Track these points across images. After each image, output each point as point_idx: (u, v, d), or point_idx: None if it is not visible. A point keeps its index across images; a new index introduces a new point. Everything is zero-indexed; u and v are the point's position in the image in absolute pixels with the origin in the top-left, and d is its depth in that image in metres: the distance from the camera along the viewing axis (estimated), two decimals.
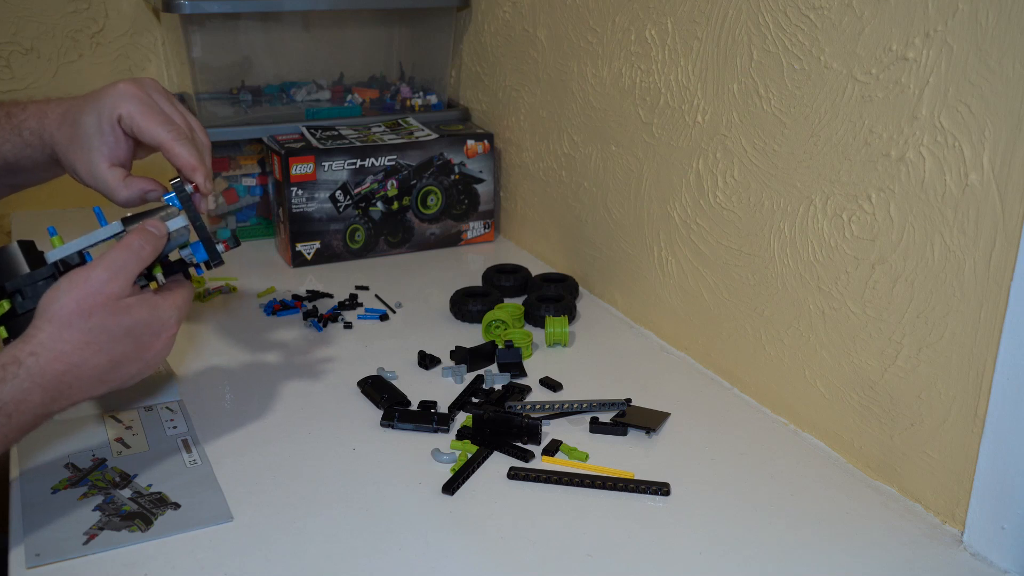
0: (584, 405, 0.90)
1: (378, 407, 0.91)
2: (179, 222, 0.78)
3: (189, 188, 0.80)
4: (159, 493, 0.76)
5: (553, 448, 0.84)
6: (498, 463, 0.82)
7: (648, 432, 0.87)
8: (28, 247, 0.76)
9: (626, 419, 0.87)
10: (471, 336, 1.07)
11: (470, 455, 0.82)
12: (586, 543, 0.72)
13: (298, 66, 1.49)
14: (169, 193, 0.80)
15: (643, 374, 0.99)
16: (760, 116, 0.88)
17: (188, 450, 0.83)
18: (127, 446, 0.83)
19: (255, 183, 1.39)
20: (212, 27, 1.36)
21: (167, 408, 0.90)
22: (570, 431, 0.87)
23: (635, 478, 0.79)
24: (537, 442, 0.85)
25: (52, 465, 0.80)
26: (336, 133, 1.32)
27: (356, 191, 1.28)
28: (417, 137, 1.32)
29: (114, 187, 0.80)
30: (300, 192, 1.25)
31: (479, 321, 1.10)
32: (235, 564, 0.69)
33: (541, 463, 0.83)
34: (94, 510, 0.74)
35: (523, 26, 1.27)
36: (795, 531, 0.73)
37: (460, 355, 1.00)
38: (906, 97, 0.73)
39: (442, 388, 0.95)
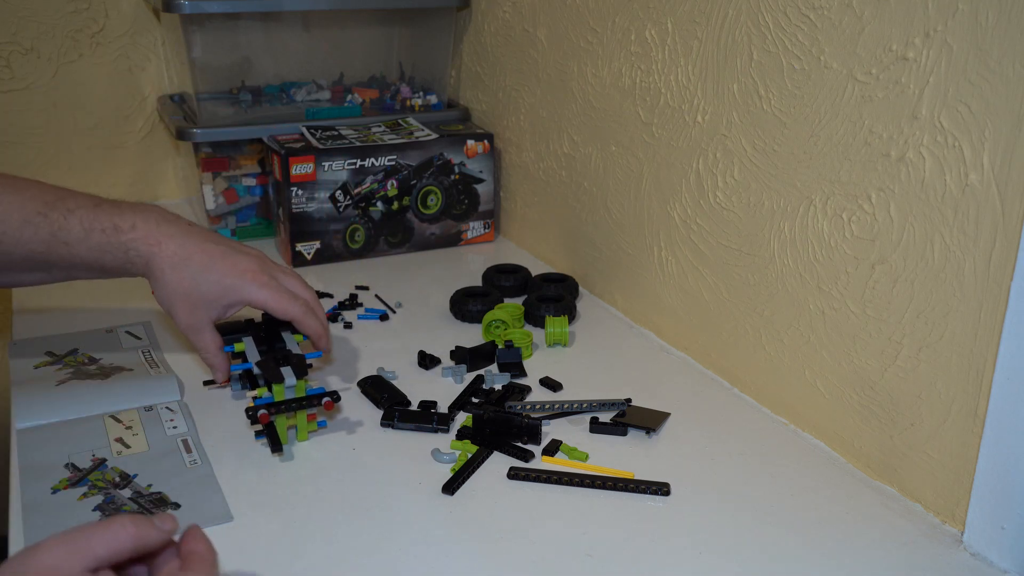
0: (584, 405, 0.90)
1: (378, 407, 0.91)
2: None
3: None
4: (159, 493, 0.76)
5: (553, 448, 0.84)
6: (498, 463, 0.82)
7: (648, 432, 0.86)
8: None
9: (626, 419, 0.87)
10: (471, 336, 1.07)
11: (470, 455, 0.82)
12: (586, 543, 0.72)
13: (298, 66, 1.49)
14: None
15: (643, 374, 0.99)
16: (760, 116, 0.88)
17: (188, 450, 0.83)
18: (127, 446, 0.83)
19: (255, 183, 1.39)
20: (212, 27, 1.35)
21: (167, 408, 0.89)
22: (570, 431, 0.87)
23: (635, 478, 0.79)
24: (537, 442, 0.85)
25: (52, 465, 0.80)
26: (336, 133, 1.32)
27: (356, 191, 1.28)
28: (417, 137, 1.31)
29: (212, 350, 0.90)
30: (300, 192, 1.25)
31: (479, 321, 1.10)
32: (235, 564, 0.69)
33: (541, 463, 0.83)
34: (94, 510, 0.74)
35: (523, 26, 1.27)
36: (795, 531, 0.73)
37: (460, 355, 1.00)
38: (906, 97, 0.73)
39: (442, 388, 0.95)
